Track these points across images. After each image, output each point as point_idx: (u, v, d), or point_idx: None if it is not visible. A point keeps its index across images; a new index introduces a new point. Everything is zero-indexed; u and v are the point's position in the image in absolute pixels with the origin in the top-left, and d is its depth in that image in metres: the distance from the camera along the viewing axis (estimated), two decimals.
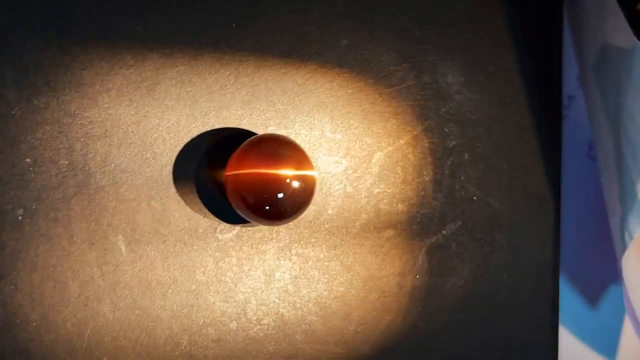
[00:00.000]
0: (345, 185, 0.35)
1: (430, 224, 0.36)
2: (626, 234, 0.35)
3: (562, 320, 0.41)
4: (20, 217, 0.31)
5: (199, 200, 0.33)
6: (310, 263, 0.34)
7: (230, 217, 0.33)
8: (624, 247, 0.35)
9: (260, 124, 0.34)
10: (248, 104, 0.34)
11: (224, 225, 0.33)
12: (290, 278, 0.34)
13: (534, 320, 0.38)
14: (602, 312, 0.43)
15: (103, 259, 0.31)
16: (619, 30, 0.33)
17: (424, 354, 0.36)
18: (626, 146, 0.33)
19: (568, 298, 0.42)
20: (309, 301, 0.34)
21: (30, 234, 0.31)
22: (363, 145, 0.35)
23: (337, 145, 0.35)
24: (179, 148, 0.33)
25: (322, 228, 0.34)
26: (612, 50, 0.34)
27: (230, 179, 0.31)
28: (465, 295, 0.37)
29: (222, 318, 0.33)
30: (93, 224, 0.31)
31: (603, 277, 0.43)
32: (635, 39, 0.31)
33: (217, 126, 0.33)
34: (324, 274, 0.34)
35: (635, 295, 0.37)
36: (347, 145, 0.35)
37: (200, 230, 0.33)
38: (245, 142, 0.32)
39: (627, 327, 0.43)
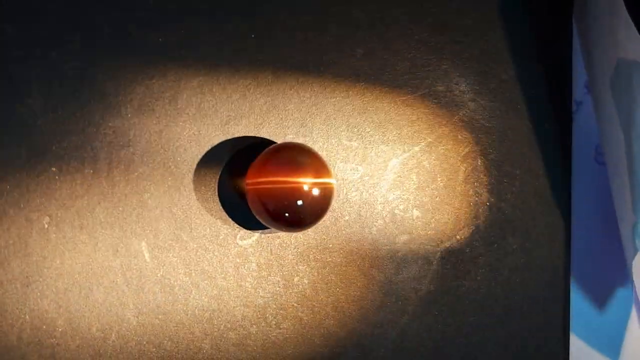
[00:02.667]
0: (362, 192, 0.36)
1: (445, 229, 0.37)
2: (637, 240, 0.35)
3: (571, 322, 0.41)
4: (46, 225, 0.31)
5: (220, 208, 0.33)
6: (327, 268, 0.35)
7: (250, 223, 0.34)
8: (635, 252, 0.36)
9: (278, 133, 0.34)
10: (267, 113, 0.34)
11: (244, 232, 0.34)
12: (308, 283, 0.35)
13: (546, 321, 0.38)
14: (610, 315, 0.43)
15: (127, 265, 0.32)
16: (630, 40, 0.34)
17: (439, 357, 0.36)
18: (637, 152, 0.34)
19: (577, 300, 0.42)
20: (327, 305, 0.35)
21: (56, 242, 0.31)
22: (379, 152, 0.36)
23: (354, 152, 0.36)
24: (200, 156, 0.33)
25: (340, 234, 0.35)
26: (623, 59, 0.35)
27: (251, 187, 0.32)
28: (479, 298, 0.37)
29: (243, 322, 0.34)
30: (117, 230, 0.32)
31: (612, 280, 0.43)
32: None
33: (236, 135, 0.34)
34: (341, 278, 0.35)
35: None
36: (363, 152, 0.36)
37: (221, 237, 0.33)
38: (265, 150, 0.32)
39: (631, 330, 0.44)
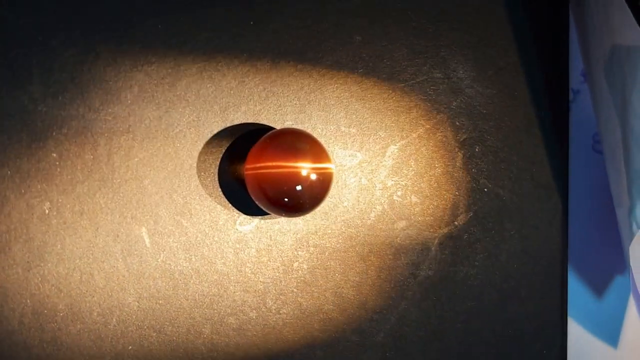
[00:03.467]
0: (360, 178, 0.36)
1: (443, 215, 0.37)
2: (634, 224, 0.36)
3: (569, 308, 0.42)
4: (47, 211, 0.31)
5: (220, 193, 0.34)
6: (327, 254, 0.35)
7: (249, 209, 0.34)
8: (632, 236, 0.36)
9: (277, 119, 0.35)
10: (265, 99, 0.35)
11: (243, 217, 0.34)
12: (307, 268, 0.35)
13: (544, 307, 0.39)
14: (607, 300, 0.44)
15: (127, 251, 0.32)
16: (625, 26, 0.34)
17: (437, 342, 0.37)
18: (633, 138, 0.34)
19: (575, 286, 0.43)
20: (326, 290, 0.35)
21: (56, 227, 0.32)
22: (377, 138, 0.36)
23: (352, 139, 0.36)
24: (199, 142, 0.33)
25: (338, 220, 0.35)
26: (618, 45, 0.35)
27: (250, 172, 0.32)
28: (477, 284, 0.37)
29: (243, 307, 0.34)
30: (117, 216, 0.32)
31: (609, 266, 0.43)
32: None
33: (236, 121, 0.34)
34: (340, 264, 0.35)
35: None
36: (362, 139, 0.36)
37: (220, 222, 0.34)
38: (264, 136, 0.32)
39: (630, 316, 0.44)
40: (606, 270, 0.44)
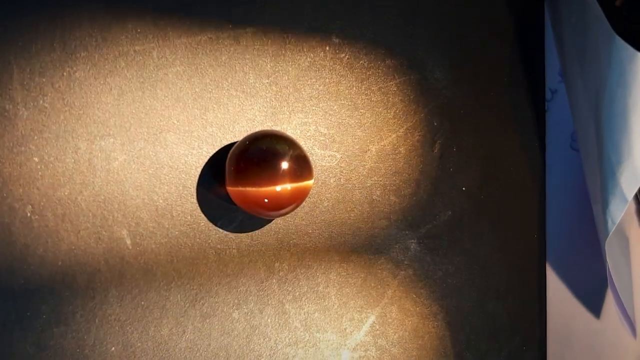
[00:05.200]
0: (340, 178, 0.36)
1: (422, 214, 0.38)
2: (609, 220, 0.36)
3: (547, 304, 0.42)
4: (29, 214, 0.32)
5: (201, 194, 0.34)
6: (307, 253, 0.36)
7: (230, 209, 0.34)
8: (607, 233, 0.36)
9: (257, 120, 0.35)
10: (244, 100, 0.35)
11: (225, 218, 0.34)
12: (289, 268, 0.35)
13: (522, 303, 0.39)
14: (586, 296, 0.44)
15: (109, 253, 0.33)
16: (598, 24, 0.34)
17: (418, 339, 0.37)
18: (606, 133, 0.35)
19: (554, 282, 0.43)
20: (307, 290, 0.35)
21: (38, 230, 0.32)
22: (356, 139, 0.37)
23: (331, 139, 0.36)
24: (180, 143, 0.34)
25: (318, 219, 0.36)
26: (592, 43, 0.36)
27: (231, 173, 0.32)
28: (457, 282, 0.38)
29: (225, 308, 0.34)
30: (99, 219, 0.33)
31: (587, 262, 0.44)
32: (613, 32, 0.33)
33: (215, 122, 0.34)
34: (321, 263, 0.36)
35: (618, 277, 0.38)
36: (341, 139, 0.36)
37: (202, 223, 0.34)
38: (244, 137, 0.33)
39: (607, 311, 0.45)
40: (584, 266, 0.44)
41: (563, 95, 0.45)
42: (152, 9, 0.34)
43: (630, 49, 0.32)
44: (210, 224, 0.34)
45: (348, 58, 0.37)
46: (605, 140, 0.35)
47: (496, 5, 0.40)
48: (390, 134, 0.37)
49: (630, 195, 0.34)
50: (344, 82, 0.37)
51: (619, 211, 0.35)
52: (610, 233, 0.36)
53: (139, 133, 0.33)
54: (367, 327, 0.36)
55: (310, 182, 0.33)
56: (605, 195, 0.36)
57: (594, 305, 0.44)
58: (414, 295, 0.37)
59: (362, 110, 0.37)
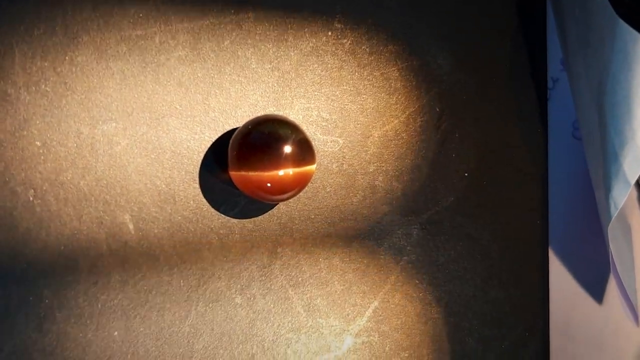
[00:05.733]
0: (342, 164, 0.36)
1: (424, 200, 0.38)
2: (612, 204, 0.36)
3: (551, 290, 0.42)
4: (31, 198, 0.32)
5: (203, 179, 0.34)
6: (310, 239, 0.35)
7: (233, 195, 0.34)
8: (610, 218, 0.36)
9: (259, 105, 0.35)
10: (246, 85, 0.35)
11: (227, 203, 0.34)
12: (291, 253, 0.35)
13: (525, 290, 0.39)
14: (589, 283, 0.44)
15: (112, 238, 0.33)
16: (600, 8, 0.34)
17: (420, 325, 0.37)
18: (609, 118, 0.35)
19: (556, 270, 0.43)
20: (310, 276, 0.35)
21: (41, 215, 0.32)
22: (358, 124, 0.37)
23: (334, 124, 0.36)
24: (182, 129, 0.34)
25: (321, 205, 0.36)
26: (595, 29, 0.36)
27: (233, 158, 0.32)
28: (459, 268, 0.38)
29: (228, 293, 0.34)
30: (101, 204, 0.33)
31: (590, 250, 0.44)
32: (615, 15, 0.33)
33: (218, 107, 0.34)
34: (323, 249, 0.36)
35: (621, 264, 0.38)
36: (343, 124, 0.36)
37: (204, 208, 0.34)
38: (246, 122, 0.33)
39: (610, 299, 0.45)
40: (587, 254, 0.44)
41: (565, 83, 0.45)
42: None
43: (633, 32, 0.32)
44: (213, 209, 0.34)
45: (350, 43, 0.37)
46: (608, 124, 0.35)
47: None
48: (392, 119, 0.37)
49: (633, 178, 0.34)
50: (346, 67, 0.36)
51: (622, 196, 0.35)
52: (613, 218, 0.36)
53: (141, 118, 0.33)
54: (370, 313, 0.36)
55: (312, 167, 0.33)
56: (608, 179, 0.36)
57: (597, 293, 0.44)
58: (417, 281, 0.37)
59: (364, 96, 0.37)
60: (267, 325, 0.35)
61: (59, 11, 0.32)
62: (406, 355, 0.37)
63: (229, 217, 0.34)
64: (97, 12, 0.33)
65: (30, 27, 0.32)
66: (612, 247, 0.37)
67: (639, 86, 0.33)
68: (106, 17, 0.33)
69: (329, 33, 0.36)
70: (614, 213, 0.36)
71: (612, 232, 0.37)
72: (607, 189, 0.36)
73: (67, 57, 0.32)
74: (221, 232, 0.34)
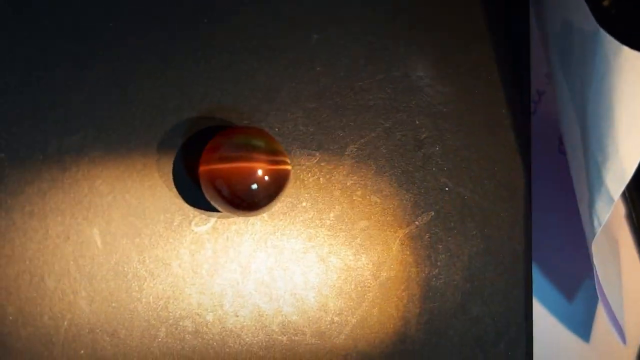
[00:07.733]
0: (319, 178, 0.35)
1: (404, 214, 0.37)
2: (595, 220, 0.35)
3: (535, 307, 0.41)
4: None
5: (174, 193, 0.33)
6: (285, 254, 0.35)
7: (205, 209, 0.33)
8: (594, 234, 0.36)
9: (233, 118, 0.34)
10: (221, 98, 0.34)
11: (199, 218, 0.33)
12: (266, 269, 0.34)
13: (507, 307, 0.38)
14: (574, 300, 0.43)
15: (79, 252, 0.32)
16: (582, 19, 0.34)
17: (399, 343, 0.36)
18: (592, 132, 0.34)
19: (540, 286, 0.42)
20: (285, 292, 0.34)
21: (5, 228, 0.31)
22: (336, 137, 0.36)
23: (310, 137, 0.35)
24: (153, 141, 0.33)
25: (297, 220, 0.35)
26: (577, 42, 0.35)
27: (204, 171, 0.31)
28: (440, 284, 0.37)
29: (199, 310, 0.33)
30: (68, 217, 0.32)
31: (574, 265, 0.43)
32: (598, 26, 0.32)
33: (191, 119, 0.34)
34: (299, 265, 0.35)
35: (605, 280, 0.38)
36: (320, 137, 0.36)
37: (175, 223, 0.33)
38: (218, 134, 0.32)
39: (601, 314, 0.44)
40: (571, 269, 0.43)
41: (550, 96, 0.44)
42: (126, 6, 0.33)
43: (615, 42, 0.31)
44: (185, 224, 0.33)
45: (327, 55, 0.36)
46: (591, 138, 0.34)
47: (481, 4, 0.39)
48: (370, 132, 0.36)
49: (616, 194, 0.34)
50: (323, 79, 0.36)
51: (605, 212, 0.35)
52: (597, 234, 0.35)
53: (110, 129, 0.32)
54: (347, 331, 0.35)
55: (288, 174, 0.32)
56: (591, 195, 0.35)
57: (582, 309, 0.43)
58: (396, 298, 0.36)
59: (342, 109, 0.36)
60: (239, 344, 0.34)
61: (25, 21, 0.32)
62: None
63: (201, 232, 0.33)
64: (61, 25, 0.32)
65: (0, 37, 0.31)
66: (597, 263, 0.36)
67: (620, 100, 0.32)
68: (72, 32, 0.32)
69: (306, 45, 0.36)
70: (598, 229, 0.35)
71: (597, 248, 0.36)
72: (591, 205, 0.35)
73: (35, 68, 0.31)
74: (193, 247, 0.33)
